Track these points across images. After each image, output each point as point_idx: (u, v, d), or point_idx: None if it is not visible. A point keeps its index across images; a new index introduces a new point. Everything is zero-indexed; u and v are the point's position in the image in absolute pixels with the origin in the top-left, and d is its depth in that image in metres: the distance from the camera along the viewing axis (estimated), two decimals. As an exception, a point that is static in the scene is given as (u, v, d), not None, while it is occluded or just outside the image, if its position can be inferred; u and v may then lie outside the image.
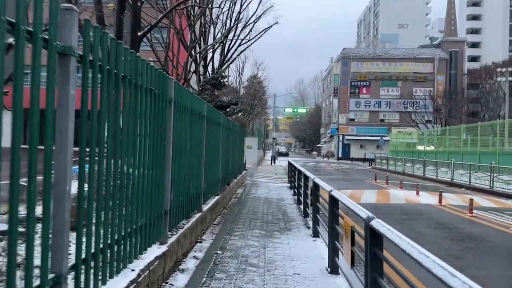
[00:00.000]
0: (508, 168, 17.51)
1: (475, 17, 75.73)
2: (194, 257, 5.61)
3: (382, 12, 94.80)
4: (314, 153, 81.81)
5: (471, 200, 10.86)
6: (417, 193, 14.70)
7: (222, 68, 17.56)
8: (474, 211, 10.63)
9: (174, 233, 5.28)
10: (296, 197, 11.85)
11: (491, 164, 18.01)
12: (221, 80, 16.18)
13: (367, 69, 61.36)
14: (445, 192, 16.28)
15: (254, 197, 12.33)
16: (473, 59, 71.07)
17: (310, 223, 8.38)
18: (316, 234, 7.12)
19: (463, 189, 18.63)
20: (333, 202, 5.11)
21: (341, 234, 4.85)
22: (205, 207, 7.52)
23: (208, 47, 14.90)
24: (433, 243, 7.40)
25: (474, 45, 72.94)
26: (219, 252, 5.84)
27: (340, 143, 59.93)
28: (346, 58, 61.76)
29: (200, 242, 6.45)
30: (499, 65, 54.38)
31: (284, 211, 9.80)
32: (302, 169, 9.82)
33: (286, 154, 66.49)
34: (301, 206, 10.22)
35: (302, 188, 10.05)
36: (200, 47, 15.40)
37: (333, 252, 5.06)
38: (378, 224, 3.06)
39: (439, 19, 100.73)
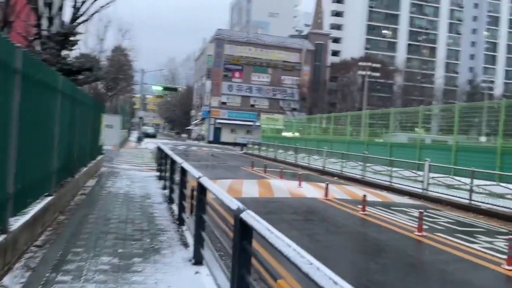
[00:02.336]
0: (379, 158, 17.70)
1: (338, 14, 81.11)
2: None
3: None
4: (184, 135, 79.00)
5: (364, 196, 9.80)
6: (300, 185, 13.48)
7: (75, 23, 13.73)
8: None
9: None
10: (167, 192, 9.31)
11: (364, 154, 18.01)
12: (71, 39, 12.49)
13: (240, 53, 60.75)
14: (320, 181, 15.60)
15: (109, 193, 9.37)
16: (335, 53, 76.18)
17: (188, 235, 6.04)
18: (199, 260, 4.79)
19: (336, 178, 18.38)
20: (244, 232, 2.84)
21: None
22: (17, 223, 4.57)
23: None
24: (347, 261, 5.76)
25: (336, 40, 78.17)
26: (22, 324, 3.09)
27: (212, 126, 58.37)
28: (220, 39, 60.12)
29: (-7, 295, 3.56)
30: (357, 60, 59.20)
31: (151, 216, 7.21)
32: (179, 160, 7.34)
33: (154, 136, 62.39)
34: (174, 207, 7.78)
35: (177, 183, 7.61)
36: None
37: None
38: None
39: (306, 13, 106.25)
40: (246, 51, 61.12)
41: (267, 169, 18.12)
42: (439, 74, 74.18)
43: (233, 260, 2.96)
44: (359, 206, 9.89)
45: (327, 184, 11.93)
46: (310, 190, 12.73)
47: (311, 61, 64.57)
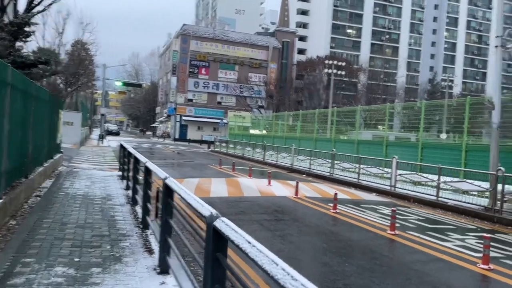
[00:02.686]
0: (346, 156, 17.74)
1: (304, 12, 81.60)
2: None
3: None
4: (149, 133, 77.21)
5: (336, 194, 9.66)
6: (269, 183, 13.22)
7: (30, 13, 12.85)
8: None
9: None
10: (130, 192, 8.79)
11: (332, 151, 18.00)
12: (26, 29, 11.65)
13: (207, 50, 59.96)
14: (288, 179, 15.43)
15: (67, 195, 8.73)
16: (301, 51, 76.65)
17: (152, 240, 5.62)
18: (165, 268, 4.40)
19: (304, 175, 18.29)
20: (218, 242, 2.49)
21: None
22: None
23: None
24: (321, 263, 5.51)
25: (302, 38, 78.68)
26: None
27: (178, 123, 57.27)
28: (186, 35, 59.04)
29: None
30: (323, 59, 59.81)
31: (112, 220, 6.70)
32: (143, 158, 6.85)
33: (117, 133, 60.67)
34: (138, 209, 7.30)
35: (141, 183, 7.15)
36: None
37: None
38: None
39: (271, 11, 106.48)
40: (213, 48, 60.38)
41: (236, 167, 17.77)
42: (401, 73, 76.18)
43: (205, 274, 2.60)
44: (330, 204, 9.75)
45: (298, 182, 11.73)
46: (280, 189, 12.50)
47: (278, 59, 64.65)
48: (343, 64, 50.97)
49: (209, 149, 36.08)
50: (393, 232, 7.29)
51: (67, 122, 21.87)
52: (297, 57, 71.00)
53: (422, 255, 6.03)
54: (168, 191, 4.31)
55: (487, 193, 10.45)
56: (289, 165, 21.04)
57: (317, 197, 11.31)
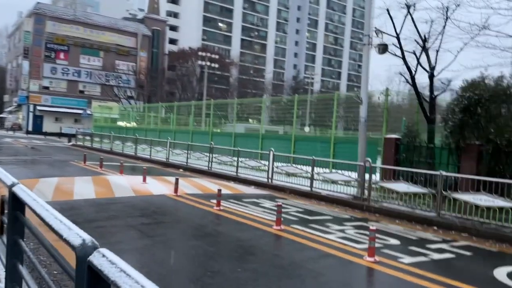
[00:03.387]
0: (224, 149, 17.55)
1: (174, 1, 79.47)
2: None
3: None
4: (-5, 124, 66.64)
5: (219, 190, 9.20)
6: (144, 180, 12.14)
7: None
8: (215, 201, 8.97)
9: None
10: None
11: (210, 144, 17.58)
12: None
13: (66, 32, 54.03)
14: (165, 174, 14.57)
15: None
16: (172, 41, 74.54)
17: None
18: (14, 305, 3.31)
19: (181, 170, 17.56)
20: (95, 285, 1.72)
21: None
22: None
23: None
24: (212, 272, 4.94)
25: (173, 28, 76.52)
26: None
27: (31, 114, 50.41)
28: (41, 14, 52.25)
29: None
30: (195, 50, 59.23)
31: None
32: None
33: (-49, 125, 50.87)
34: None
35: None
36: None
37: None
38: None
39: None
40: (73, 30, 54.66)
41: (104, 163, 16.06)
42: (269, 69, 80.00)
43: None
44: (213, 200, 9.29)
45: (177, 178, 10.94)
46: (157, 186, 11.56)
47: (148, 47, 61.77)
48: (216, 57, 51.08)
49: (70, 143, 32.48)
50: (279, 228, 7.12)
51: None
52: (168, 47, 68.87)
53: (311, 251, 5.92)
54: (17, 203, 3.23)
55: (355, 183, 11.18)
56: (165, 160, 20.01)
57: (198, 194, 10.72)
